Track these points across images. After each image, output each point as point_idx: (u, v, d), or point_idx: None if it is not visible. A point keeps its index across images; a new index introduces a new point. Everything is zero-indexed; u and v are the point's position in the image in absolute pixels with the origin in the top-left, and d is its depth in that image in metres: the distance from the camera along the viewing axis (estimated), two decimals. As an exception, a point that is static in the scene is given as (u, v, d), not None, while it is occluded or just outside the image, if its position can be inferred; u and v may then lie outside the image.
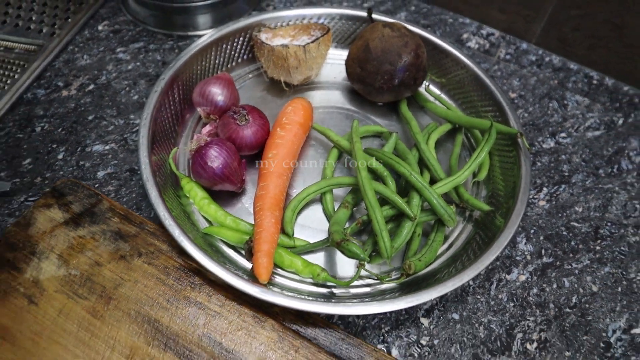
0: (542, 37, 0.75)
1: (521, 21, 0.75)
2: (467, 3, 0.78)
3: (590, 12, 0.69)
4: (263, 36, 0.65)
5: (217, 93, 0.58)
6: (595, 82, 0.73)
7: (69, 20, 0.73)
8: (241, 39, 0.67)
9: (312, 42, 0.61)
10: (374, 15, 0.68)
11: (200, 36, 0.72)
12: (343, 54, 0.70)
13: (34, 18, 0.73)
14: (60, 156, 0.59)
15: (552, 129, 0.67)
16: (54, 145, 0.60)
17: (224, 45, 0.66)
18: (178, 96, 0.61)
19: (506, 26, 0.77)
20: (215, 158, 0.52)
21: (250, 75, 0.68)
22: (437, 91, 0.68)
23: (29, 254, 0.49)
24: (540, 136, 0.66)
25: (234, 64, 0.68)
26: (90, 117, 0.63)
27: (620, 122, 0.69)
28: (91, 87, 0.66)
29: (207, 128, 0.59)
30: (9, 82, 0.65)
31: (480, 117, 0.64)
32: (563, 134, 0.66)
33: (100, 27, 0.73)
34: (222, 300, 0.47)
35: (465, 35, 0.76)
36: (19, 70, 0.66)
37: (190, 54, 0.62)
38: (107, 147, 0.60)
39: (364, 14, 0.69)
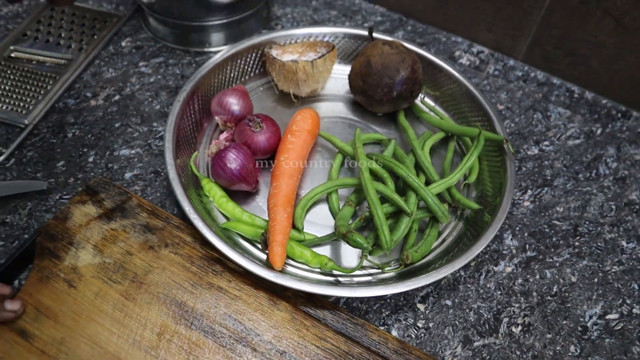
0: (527, 54, 0.82)
1: (508, 40, 0.82)
2: (458, 23, 0.85)
3: (569, 32, 0.76)
4: (274, 52, 0.72)
5: (234, 103, 0.65)
6: (576, 95, 0.80)
7: (95, 36, 0.79)
8: (254, 55, 0.73)
9: (319, 57, 0.68)
10: (374, 34, 0.75)
11: (215, 52, 0.79)
12: (346, 69, 0.76)
13: (63, 35, 0.79)
14: (90, 159, 0.65)
15: (536, 138, 0.73)
16: (85, 149, 0.66)
17: (239, 61, 0.72)
18: (197, 106, 0.67)
19: (494, 44, 0.84)
20: (234, 160, 0.59)
21: (262, 88, 0.74)
22: (431, 103, 0.75)
23: (67, 244, 0.55)
24: (525, 144, 0.73)
25: (247, 77, 0.74)
26: (116, 125, 0.69)
27: (599, 131, 0.75)
28: (117, 97, 0.72)
29: (224, 135, 0.65)
30: (42, 92, 0.71)
31: (470, 126, 0.70)
32: (546, 142, 0.73)
33: (123, 43, 0.80)
34: (241, 286, 0.53)
35: (457, 53, 0.83)
36: (51, 82, 0.73)
37: (208, 68, 0.69)
38: (132, 152, 0.67)
39: (365, 33, 0.75)
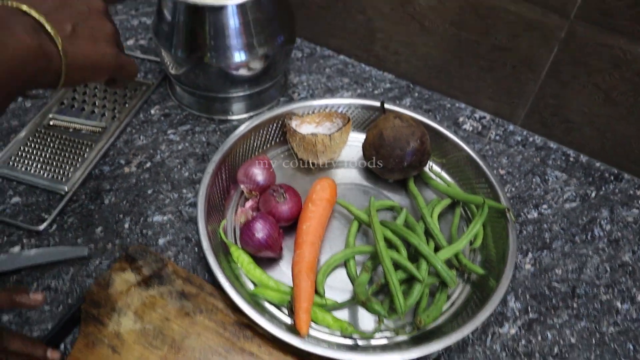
0: (525, 120, 0.89)
1: (508, 107, 0.89)
2: (462, 91, 0.92)
3: (564, 102, 0.83)
4: (293, 123, 0.78)
5: (258, 174, 0.71)
6: (571, 159, 0.86)
7: (127, 105, 0.86)
8: (274, 125, 0.80)
9: (337, 131, 0.74)
10: (386, 105, 0.81)
11: (237, 120, 0.86)
12: (360, 137, 0.82)
13: (97, 103, 0.86)
14: (126, 225, 0.71)
15: (536, 201, 0.79)
16: (121, 216, 0.72)
17: (261, 131, 0.79)
18: (225, 175, 0.73)
19: (495, 110, 0.91)
20: (261, 230, 0.64)
21: (282, 155, 0.81)
22: (438, 169, 0.81)
23: (110, 310, 0.60)
24: (525, 207, 0.78)
25: (268, 145, 0.81)
26: (149, 191, 0.75)
27: (593, 194, 0.81)
28: (148, 164, 0.79)
29: (250, 203, 0.71)
30: (79, 159, 0.77)
31: (475, 192, 0.76)
32: (545, 206, 0.79)
33: (152, 111, 0.86)
34: (270, 350, 0.58)
35: (461, 119, 0.90)
36: (87, 150, 0.79)
37: (234, 140, 0.75)
38: (165, 218, 0.72)
39: (377, 103, 0.82)
